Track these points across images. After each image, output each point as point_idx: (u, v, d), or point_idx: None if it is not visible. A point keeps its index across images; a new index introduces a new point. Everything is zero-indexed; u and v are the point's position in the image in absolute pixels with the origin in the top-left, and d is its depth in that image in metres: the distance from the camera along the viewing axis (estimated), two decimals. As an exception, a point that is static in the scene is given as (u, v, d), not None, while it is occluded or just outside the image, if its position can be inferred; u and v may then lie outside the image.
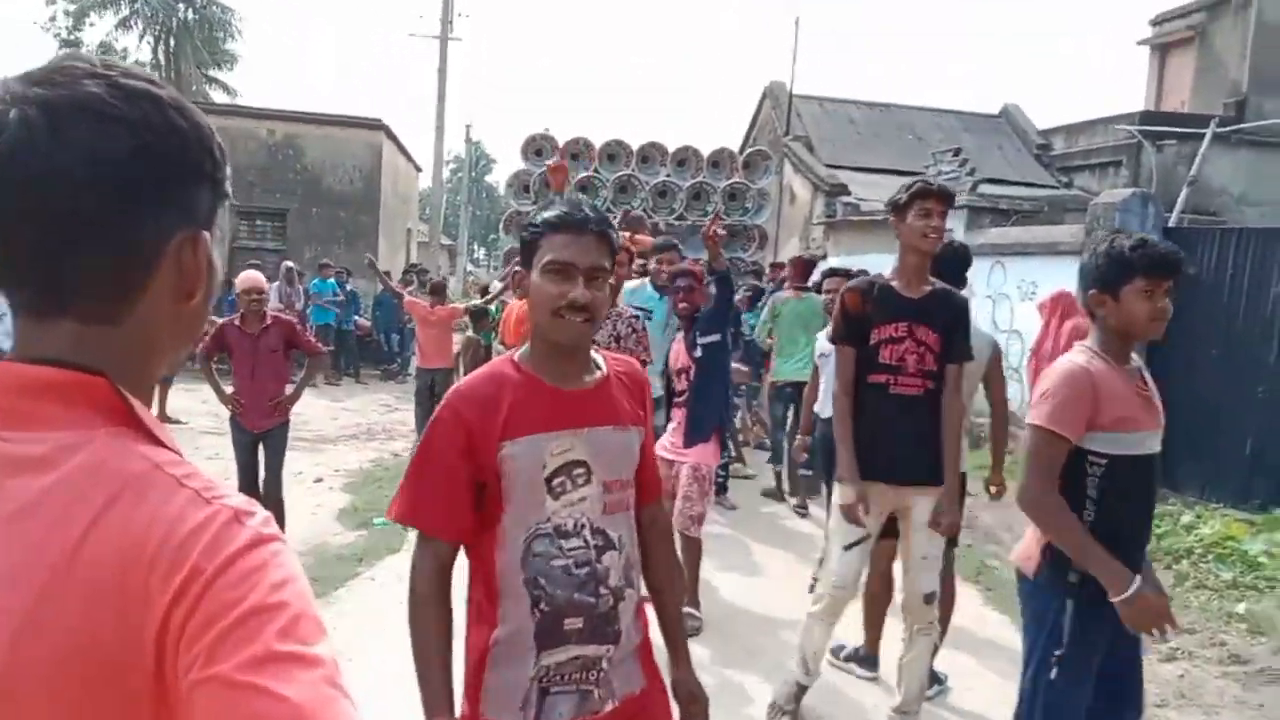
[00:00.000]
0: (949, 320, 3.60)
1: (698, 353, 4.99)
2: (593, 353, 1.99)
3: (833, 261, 13.15)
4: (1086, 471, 2.58)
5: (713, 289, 5.14)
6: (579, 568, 1.84)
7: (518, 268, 2.01)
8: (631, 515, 1.97)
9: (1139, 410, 2.59)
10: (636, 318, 5.17)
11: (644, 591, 2.02)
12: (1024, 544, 2.81)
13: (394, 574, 5.55)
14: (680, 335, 5.19)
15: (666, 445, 4.97)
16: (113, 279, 0.81)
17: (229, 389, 5.75)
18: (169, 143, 0.81)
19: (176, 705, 0.70)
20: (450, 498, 1.83)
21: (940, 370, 3.57)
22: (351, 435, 10.56)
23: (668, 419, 5.19)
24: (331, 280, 14.87)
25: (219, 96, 30.85)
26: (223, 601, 0.71)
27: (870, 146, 17.85)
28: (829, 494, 4.54)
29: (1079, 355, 2.64)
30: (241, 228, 17.69)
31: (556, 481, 1.84)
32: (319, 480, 8.10)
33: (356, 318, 15.75)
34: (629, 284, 6.63)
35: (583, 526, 1.85)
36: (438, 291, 9.77)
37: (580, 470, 1.86)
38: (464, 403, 1.85)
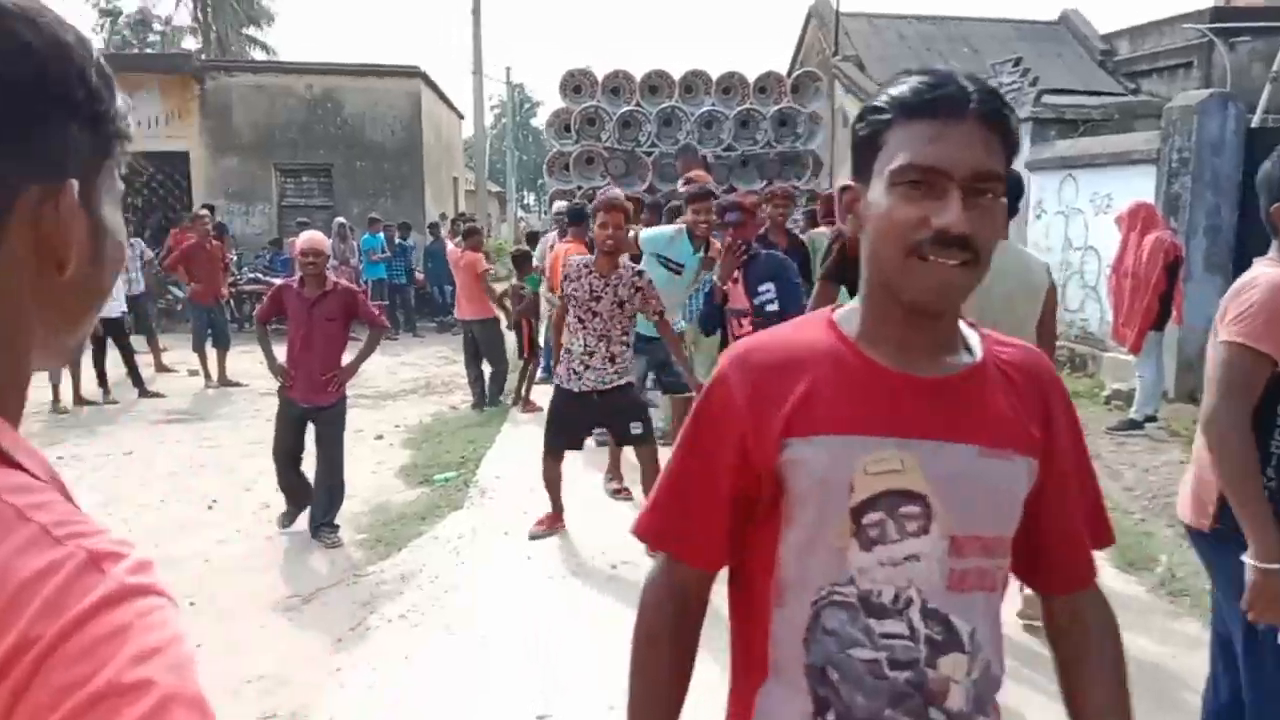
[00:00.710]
0: None
1: (758, 300, 4.79)
2: (963, 325, 1.24)
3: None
4: None
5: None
6: (896, 669, 1.13)
7: (851, 185, 1.21)
8: (998, 601, 1.21)
9: None
10: (640, 274, 5.03)
11: None
12: (1186, 493, 2.49)
13: (455, 532, 5.48)
14: (741, 276, 4.93)
15: None
16: None
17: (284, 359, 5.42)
18: (15, 68, 0.61)
19: None
20: (707, 506, 1.24)
21: None
22: (410, 390, 10.52)
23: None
24: (380, 235, 14.80)
25: (257, 55, 30.90)
26: (61, 683, 0.51)
27: (924, 62, 17.10)
28: None
29: None
30: (288, 186, 17.69)
31: (870, 520, 1.13)
32: (379, 437, 8.06)
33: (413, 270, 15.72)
34: (665, 229, 6.33)
35: (909, 603, 1.14)
36: (468, 235, 9.52)
37: (913, 508, 1.13)
38: (743, 373, 1.21)
